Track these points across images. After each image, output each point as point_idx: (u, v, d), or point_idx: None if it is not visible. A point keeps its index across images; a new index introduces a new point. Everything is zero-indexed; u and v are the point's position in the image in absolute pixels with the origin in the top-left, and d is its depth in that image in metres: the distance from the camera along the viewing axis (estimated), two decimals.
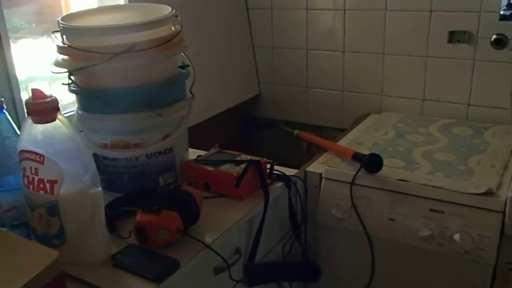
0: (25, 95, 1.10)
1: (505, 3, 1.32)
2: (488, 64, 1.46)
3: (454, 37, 1.48)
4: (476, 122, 1.49)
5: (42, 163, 0.77)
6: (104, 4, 1.35)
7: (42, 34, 1.25)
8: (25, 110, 0.78)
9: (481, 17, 1.42)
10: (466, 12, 1.44)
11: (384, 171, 1.17)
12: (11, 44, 1.08)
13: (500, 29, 1.39)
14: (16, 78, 1.09)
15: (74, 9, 1.31)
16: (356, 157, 1.21)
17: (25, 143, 0.78)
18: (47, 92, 0.78)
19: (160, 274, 0.81)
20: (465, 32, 1.45)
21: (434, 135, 1.42)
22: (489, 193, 1.06)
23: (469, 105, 1.52)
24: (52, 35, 1.01)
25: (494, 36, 1.41)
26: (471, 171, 1.17)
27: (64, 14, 1.27)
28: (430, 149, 1.31)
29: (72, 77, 1.00)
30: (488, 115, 1.50)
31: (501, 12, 1.33)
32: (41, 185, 0.78)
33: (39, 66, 1.21)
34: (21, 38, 1.18)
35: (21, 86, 1.11)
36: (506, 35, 1.39)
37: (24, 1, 1.20)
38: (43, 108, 0.77)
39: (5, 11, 1.06)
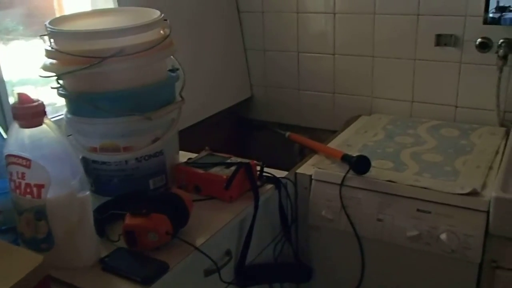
0: (12, 99, 1.08)
1: (494, 6, 1.31)
2: (474, 66, 1.45)
3: (441, 40, 1.47)
4: (463, 124, 1.48)
5: (29, 167, 0.75)
6: (97, 6, 1.33)
7: (35, 36, 1.21)
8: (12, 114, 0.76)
9: (467, 21, 1.42)
10: (452, 16, 1.44)
11: (372, 172, 1.16)
12: (3, 45, 1.06)
13: (485, 33, 1.39)
14: (4, 81, 1.06)
15: (67, 11, 1.29)
16: (345, 158, 1.20)
17: (11, 148, 0.76)
18: (33, 96, 0.76)
19: (148, 277, 0.79)
20: (451, 35, 1.45)
21: (422, 136, 1.41)
22: (474, 193, 1.06)
23: (456, 106, 1.52)
24: (43, 38, 0.99)
25: (479, 40, 1.41)
26: (457, 172, 1.17)
27: (57, 16, 1.26)
28: (418, 150, 1.31)
29: (61, 81, 0.98)
30: (475, 117, 1.49)
31: (490, 15, 1.32)
32: (28, 190, 0.76)
33: (31, 68, 1.18)
34: (12, 39, 1.16)
35: (14, 88, 1.09)
36: (490, 39, 1.39)
37: (16, 2, 1.18)
38: (30, 113, 0.75)
39: None
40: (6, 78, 1.07)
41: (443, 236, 1.06)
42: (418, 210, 1.10)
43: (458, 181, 1.12)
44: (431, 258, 1.10)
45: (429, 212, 1.08)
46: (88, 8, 1.33)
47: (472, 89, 1.48)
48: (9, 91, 1.11)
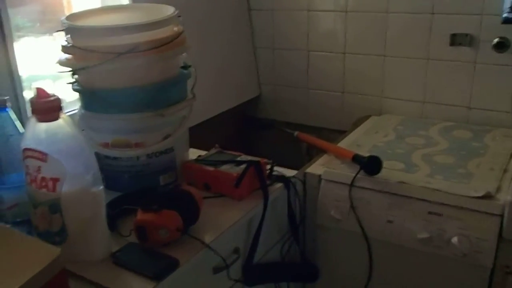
0: (28, 94, 1.12)
1: (509, 6, 1.32)
2: (490, 67, 1.47)
3: (455, 40, 1.49)
4: (476, 125, 1.50)
5: (45, 161, 0.79)
6: (107, 4, 1.37)
7: (44, 33, 1.26)
8: (29, 109, 0.80)
9: (483, 20, 1.43)
10: (468, 15, 1.45)
11: (383, 173, 1.18)
12: (14, 42, 1.10)
13: (502, 33, 1.40)
14: (20, 77, 1.10)
15: (76, 8, 1.33)
16: (356, 159, 1.22)
17: (28, 142, 0.80)
18: (50, 91, 0.80)
19: (159, 272, 0.83)
20: (466, 35, 1.46)
21: (434, 137, 1.43)
22: (487, 197, 1.07)
23: (469, 108, 1.54)
24: (54, 34, 1.03)
25: (496, 40, 1.42)
26: (470, 174, 1.18)
27: (67, 13, 1.30)
28: (430, 151, 1.33)
29: (76, 76, 1.02)
30: (489, 118, 1.51)
31: (504, 15, 1.33)
32: (43, 183, 0.80)
33: (42, 65, 1.23)
34: (23, 36, 1.20)
35: (24, 85, 1.13)
36: (508, 39, 1.40)
37: (27, 0, 1.22)
38: (47, 107, 0.79)
39: (8, 10, 1.08)
40: None
41: (455, 240, 1.07)
42: (429, 212, 1.11)
43: (471, 184, 1.13)
44: (441, 262, 1.12)
45: (441, 215, 1.10)
46: (97, 5, 1.37)
47: (487, 90, 1.49)
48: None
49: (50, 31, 1.25)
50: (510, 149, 1.32)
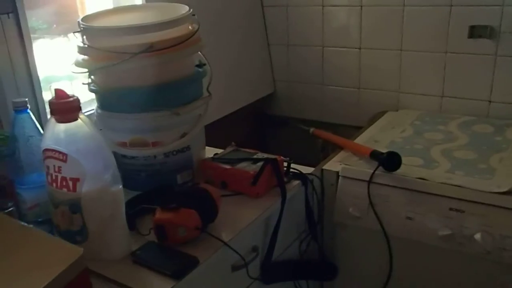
0: (45, 95, 1.15)
1: None
2: (511, 59, 1.46)
3: (475, 32, 1.48)
4: (497, 119, 1.49)
5: (65, 161, 0.82)
6: (120, 5, 1.39)
7: (59, 34, 1.29)
8: (48, 110, 0.82)
9: (504, 11, 1.42)
10: (488, 6, 1.44)
11: (402, 169, 1.19)
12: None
13: None
14: (38, 79, 1.13)
15: (89, 10, 1.36)
16: (374, 155, 1.23)
17: (48, 142, 0.83)
18: (69, 92, 0.82)
19: (179, 271, 0.85)
20: (486, 26, 1.45)
21: (453, 132, 1.42)
22: (511, 192, 1.06)
23: (490, 101, 1.53)
24: (69, 36, 1.06)
25: None
26: (492, 170, 1.18)
27: (80, 15, 1.33)
28: (450, 147, 1.33)
29: (92, 77, 1.04)
30: (510, 112, 1.50)
31: None
32: (64, 183, 0.83)
33: (57, 66, 1.26)
34: (38, 38, 1.23)
35: (40, 85, 1.16)
36: None
37: (41, 2, 1.25)
38: (66, 108, 0.81)
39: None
40: None
41: (478, 236, 1.07)
42: (450, 209, 1.11)
43: (494, 179, 1.13)
44: (464, 259, 1.12)
45: (463, 211, 1.10)
46: (110, 6, 1.40)
47: (508, 83, 1.48)
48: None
49: (65, 33, 1.28)
50: None
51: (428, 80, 1.61)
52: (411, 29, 1.59)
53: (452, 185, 1.12)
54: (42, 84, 1.16)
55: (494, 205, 1.07)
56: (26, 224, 0.83)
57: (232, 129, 1.69)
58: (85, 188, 0.83)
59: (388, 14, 1.61)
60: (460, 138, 1.39)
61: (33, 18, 1.20)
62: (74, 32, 1.02)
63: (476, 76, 1.53)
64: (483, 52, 1.49)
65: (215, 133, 1.34)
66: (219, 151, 1.22)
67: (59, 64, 1.26)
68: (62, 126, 0.83)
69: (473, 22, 1.47)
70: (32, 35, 1.15)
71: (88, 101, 1.25)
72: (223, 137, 1.30)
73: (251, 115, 1.89)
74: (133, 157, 1.09)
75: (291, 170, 1.17)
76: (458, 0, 1.48)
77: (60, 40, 1.30)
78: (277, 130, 1.95)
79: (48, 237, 0.80)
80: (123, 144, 1.08)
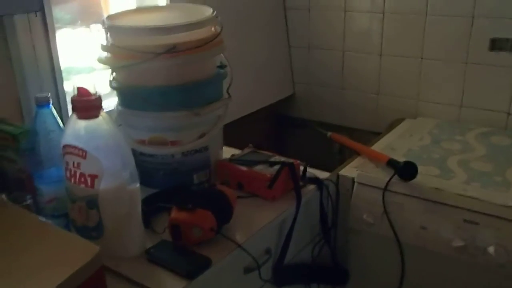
0: (66, 85, 1.13)
1: None
2: None
3: (496, 44, 1.44)
4: None
5: (85, 158, 0.80)
6: (143, 4, 1.37)
7: (81, 25, 1.27)
8: (69, 102, 0.80)
9: None
10: (510, 19, 1.40)
11: (418, 178, 1.16)
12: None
13: None
14: (61, 73, 1.12)
15: (113, 8, 1.33)
16: (391, 163, 1.20)
17: (69, 138, 0.81)
18: (92, 90, 0.80)
19: (192, 271, 0.83)
20: (507, 40, 1.42)
21: (471, 143, 1.39)
22: None
23: (509, 113, 1.49)
24: (91, 26, 1.03)
25: None
26: (508, 183, 1.15)
27: (104, 12, 1.30)
28: (467, 157, 1.29)
29: (114, 74, 1.02)
30: None
31: None
32: (82, 179, 0.81)
33: (78, 57, 1.24)
34: (60, 28, 1.21)
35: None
36: None
37: (65, 1, 1.23)
38: (88, 106, 0.79)
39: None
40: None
41: (491, 249, 1.04)
42: (465, 220, 1.08)
43: (509, 193, 1.10)
44: (476, 271, 1.09)
45: (477, 223, 1.07)
46: (133, 5, 1.38)
47: None
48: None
49: (87, 23, 1.26)
50: None
51: (448, 89, 1.57)
52: (432, 38, 1.55)
53: (467, 196, 1.09)
54: (64, 75, 1.14)
55: (508, 219, 1.04)
56: (43, 219, 0.81)
57: (251, 129, 1.66)
58: (103, 185, 0.81)
59: (410, 22, 1.57)
60: (477, 149, 1.35)
61: (57, 9, 1.18)
62: (98, 31, 0.99)
63: (496, 88, 1.49)
64: (504, 65, 1.45)
65: (234, 132, 1.32)
66: (237, 151, 1.19)
67: (80, 55, 1.23)
68: (83, 123, 0.81)
69: (494, 34, 1.44)
70: (55, 25, 1.13)
71: (108, 93, 1.22)
72: (242, 136, 1.27)
73: (270, 116, 1.87)
74: (151, 155, 1.07)
75: (307, 174, 1.13)
76: (480, 12, 1.44)
77: (82, 30, 1.27)
78: (296, 132, 1.91)
79: (65, 233, 0.77)
80: (142, 142, 1.06)
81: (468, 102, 1.54)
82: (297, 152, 1.80)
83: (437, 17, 1.52)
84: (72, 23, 1.25)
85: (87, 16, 1.29)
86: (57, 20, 1.15)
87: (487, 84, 1.49)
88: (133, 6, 1.38)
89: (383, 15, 1.61)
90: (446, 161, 1.27)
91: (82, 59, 1.24)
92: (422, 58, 1.58)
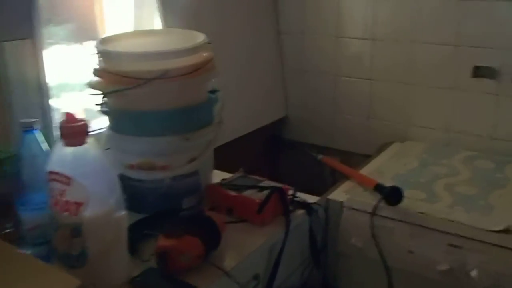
0: (56, 102, 1.07)
1: None
2: (511, 100, 1.39)
3: (478, 72, 1.41)
4: (499, 156, 1.41)
5: (70, 185, 0.73)
6: (140, 26, 1.32)
7: (75, 42, 1.21)
8: (57, 121, 0.74)
9: (505, 54, 1.36)
10: (491, 49, 1.38)
11: (405, 202, 1.11)
12: (45, 49, 1.05)
13: None
14: (49, 95, 1.05)
15: (109, 28, 1.28)
16: (378, 188, 1.15)
17: (54, 165, 0.74)
18: (79, 116, 0.74)
19: None
20: (489, 68, 1.39)
21: (456, 167, 1.34)
22: (507, 231, 1.00)
23: (492, 138, 1.45)
24: (84, 43, 0.97)
25: None
26: (491, 207, 1.11)
27: (99, 32, 1.25)
28: (452, 181, 1.25)
29: (105, 98, 0.96)
30: (511, 150, 1.41)
31: None
32: (66, 206, 0.74)
33: (71, 73, 1.17)
34: (54, 44, 1.15)
35: (52, 92, 1.08)
36: None
37: (61, 20, 1.17)
38: (74, 132, 0.73)
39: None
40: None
41: (474, 273, 1.01)
42: (449, 244, 1.04)
43: (492, 217, 1.06)
44: None
45: (461, 247, 1.03)
46: (130, 24, 1.33)
47: (509, 122, 1.41)
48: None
49: (81, 40, 1.20)
50: None
51: (435, 114, 1.53)
52: (419, 65, 1.52)
53: (451, 221, 1.06)
54: (54, 91, 1.07)
55: (490, 243, 1.01)
56: (23, 250, 0.74)
57: (243, 151, 1.60)
58: (88, 212, 0.74)
59: (399, 49, 1.53)
60: (463, 173, 1.31)
61: (51, 23, 1.12)
62: (92, 54, 0.94)
63: (480, 114, 1.46)
64: (486, 91, 1.42)
65: (227, 153, 1.26)
66: (228, 175, 1.13)
67: (74, 71, 1.17)
68: (70, 149, 0.74)
69: (477, 62, 1.41)
70: (47, 41, 1.06)
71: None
72: (233, 159, 1.21)
73: (263, 137, 1.81)
74: (140, 180, 1.01)
75: (297, 199, 1.07)
76: (463, 41, 1.42)
77: (76, 47, 1.20)
78: (288, 154, 1.85)
79: (45, 266, 0.70)
80: (131, 166, 0.99)
81: (454, 127, 1.51)
82: (289, 173, 1.75)
83: (423, 45, 1.49)
84: (66, 39, 1.19)
85: (82, 33, 1.22)
86: (50, 36, 1.09)
87: (472, 109, 1.46)
88: (130, 26, 1.32)
89: (373, 42, 1.57)
90: (432, 185, 1.23)
91: (76, 76, 1.18)
92: (410, 83, 1.54)
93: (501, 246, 0.99)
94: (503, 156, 1.40)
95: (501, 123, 1.42)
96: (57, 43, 1.15)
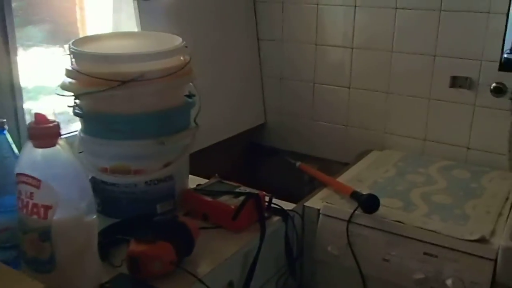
0: (31, 105, 1.06)
1: (510, 47, 1.28)
2: (488, 110, 1.42)
3: (456, 82, 1.45)
4: (475, 166, 1.44)
5: (38, 187, 0.73)
6: (120, 26, 1.32)
7: (54, 44, 1.20)
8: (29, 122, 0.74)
9: (482, 65, 1.40)
10: (468, 60, 1.41)
11: (381, 210, 1.12)
12: (23, 51, 1.04)
13: (500, 78, 1.36)
14: (21, 94, 1.04)
15: (90, 28, 1.28)
16: (354, 196, 1.16)
17: (23, 166, 0.74)
18: (50, 117, 0.74)
19: None
20: (466, 78, 1.42)
21: (433, 176, 1.37)
22: (482, 240, 1.02)
23: (468, 148, 1.48)
24: (65, 46, 0.97)
25: (493, 84, 1.38)
26: (466, 216, 1.13)
27: (80, 32, 1.24)
28: (429, 190, 1.27)
29: (77, 101, 0.96)
30: (486, 160, 1.45)
31: (505, 55, 1.28)
32: (35, 210, 0.73)
33: (49, 76, 1.16)
34: (33, 46, 1.14)
35: (30, 95, 1.07)
36: (505, 84, 1.37)
37: (40, 19, 1.16)
38: (45, 134, 0.73)
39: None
40: (22, 84, 1.05)
41: (449, 282, 1.02)
42: (425, 253, 1.06)
43: (467, 226, 1.08)
44: None
45: (436, 256, 1.04)
46: (110, 26, 1.32)
47: (485, 132, 1.45)
48: (25, 98, 1.09)
49: (60, 43, 1.20)
50: (506, 192, 1.27)
51: (412, 123, 1.56)
52: (397, 74, 1.54)
53: (427, 230, 1.07)
54: (32, 94, 1.06)
55: (465, 252, 1.02)
56: None
57: (221, 158, 1.61)
58: (57, 216, 0.74)
59: (377, 58, 1.56)
60: (439, 182, 1.33)
61: (30, 25, 1.11)
62: (63, 55, 0.93)
63: (456, 124, 1.49)
64: (463, 102, 1.46)
65: (203, 160, 1.26)
66: (204, 180, 1.14)
67: (51, 74, 1.15)
68: (39, 151, 0.74)
69: (454, 72, 1.44)
70: (27, 42, 1.05)
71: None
72: (211, 165, 1.22)
73: (241, 144, 1.81)
74: (113, 184, 1.00)
75: (273, 205, 1.08)
76: (441, 51, 1.45)
77: (55, 50, 1.20)
78: (267, 160, 1.86)
79: (10, 272, 0.69)
80: (104, 170, 0.99)
81: (431, 136, 1.54)
82: (268, 180, 1.76)
83: (402, 54, 1.52)
84: (45, 41, 1.18)
85: (61, 35, 1.22)
86: (29, 38, 1.09)
87: (449, 119, 1.49)
88: (109, 29, 1.32)
89: (352, 50, 1.60)
90: (409, 193, 1.25)
91: (55, 78, 1.17)
92: (388, 92, 1.57)
93: (476, 255, 1.01)
94: (479, 166, 1.43)
95: (477, 134, 1.45)
96: (36, 45, 1.15)
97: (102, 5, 1.33)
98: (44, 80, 1.16)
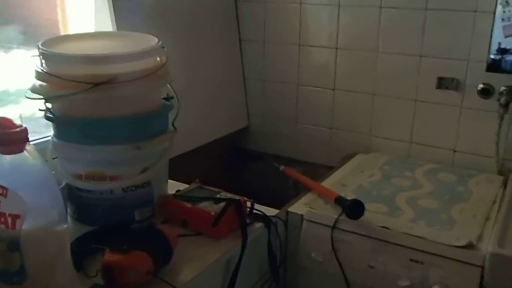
0: (13, 108, 1.04)
1: (496, 48, 1.28)
2: (475, 112, 1.43)
3: (442, 83, 1.45)
4: (461, 169, 1.45)
5: (5, 196, 0.70)
6: (101, 24, 1.29)
7: (36, 46, 1.18)
8: None
9: (469, 66, 1.40)
10: (455, 60, 1.42)
11: (366, 216, 1.12)
12: (3, 54, 1.02)
13: (487, 79, 1.37)
14: None
15: (71, 25, 1.25)
16: (339, 201, 1.16)
17: None
18: (17, 121, 0.72)
19: None
20: (453, 79, 1.43)
21: (419, 180, 1.37)
22: (469, 246, 1.02)
23: (454, 151, 1.49)
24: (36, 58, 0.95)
25: (480, 86, 1.38)
26: (453, 221, 1.13)
27: (61, 28, 1.22)
28: (415, 194, 1.27)
29: (48, 104, 0.94)
30: (473, 163, 1.46)
31: (491, 56, 1.29)
32: (2, 219, 0.71)
33: (31, 79, 1.14)
34: (13, 48, 1.12)
35: (11, 98, 1.04)
36: (492, 85, 1.37)
37: (21, 16, 1.14)
38: (11, 139, 0.71)
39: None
40: (3, 87, 1.02)
41: None
42: (411, 259, 1.05)
43: (453, 231, 1.08)
44: None
45: (422, 263, 1.04)
46: (93, 26, 1.30)
47: (472, 135, 1.45)
48: (6, 101, 1.07)
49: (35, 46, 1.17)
50: (493, 195, 1.27)
51: (398, 125, 1.56)
52: (383, 75, 1.54)
53: (413, 236, 1.06)
54: (13, 98, 1.04)
55: (452, 258, 1.02)
56: None
57: (203, 162, 1.59)
58: (26, 225, 0.71)
59: (362, 59, 1.56)
60: (425, 185, 1.33)
61: (10, 27, 1.09)
62: (32, 56, 0.91)
63: (443, 126, 1.49)
64: (450, 103, 1.46)
65: (185, 165, 1.24)
66: (185, 186, 1.12)
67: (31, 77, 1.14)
68: (7, 158, 0.71)
69: (441, 73, 1.45)
70: (7, 45, 1.03)
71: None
72: (193, 169, 1.21)
73: (224, 148, 1.80)
74: (88, 191, 0.98)
75: (255, 211, 1.07)
76: (428, 51, 1.45)
77: (37, 52, 1.18)
78: (250, 164, 1.85)
79: None
80: (79, 176, 0.97)
81: (418, 138, 1.54)
82: (251, 185, 1.74)
83: (387, 55, 1.52)
84: (26, 44, 1.16)
85: (43, 37, 1.20)
86: (9, 40, 1.06)
87: (435, 121, 1.50)
88: (92, 29, 1.30)
89: (336, 50, 1.59)
90: (395, 198, 1.24)
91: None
92: (373, 94, 1.57)
93: (463, 262, 1.01)
94: (466, 169, 1.44)
95: (464, 136, 1.46)
96: (17, 47, 1.13)
97: (84, 5, 1.31)
98: (26, 83, 1.14)
